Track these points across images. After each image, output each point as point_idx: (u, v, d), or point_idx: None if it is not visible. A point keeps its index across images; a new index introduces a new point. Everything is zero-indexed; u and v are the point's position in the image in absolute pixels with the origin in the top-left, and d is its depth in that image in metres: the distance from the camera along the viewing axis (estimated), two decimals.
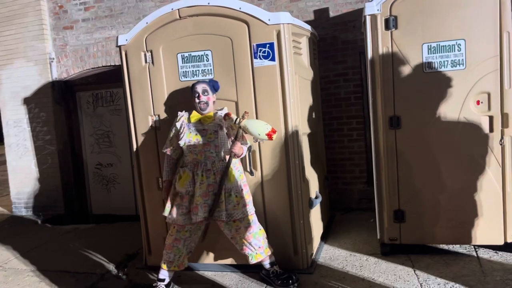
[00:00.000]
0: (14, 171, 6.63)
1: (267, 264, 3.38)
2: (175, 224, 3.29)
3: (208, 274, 3.73)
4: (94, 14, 6.13)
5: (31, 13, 6.28)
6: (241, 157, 3.31)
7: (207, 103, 3.25)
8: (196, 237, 3.37)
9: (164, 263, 3.37)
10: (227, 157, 3.22)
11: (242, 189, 3.27)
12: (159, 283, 3.40)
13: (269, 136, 3.07)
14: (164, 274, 3.40)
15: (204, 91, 3.24)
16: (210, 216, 3.20)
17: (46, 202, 6.43)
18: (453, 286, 3.15)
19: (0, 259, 4.63)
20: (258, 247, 3.30)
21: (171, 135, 3.38)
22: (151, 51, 3.66)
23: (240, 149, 3.20)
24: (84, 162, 6.47)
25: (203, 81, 3.32)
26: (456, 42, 3.38)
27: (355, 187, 5.35)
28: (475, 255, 3.62)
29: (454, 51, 3.39)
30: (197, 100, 3.25)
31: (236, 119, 3.17)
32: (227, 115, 3.20)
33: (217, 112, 3.31)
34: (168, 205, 3.32)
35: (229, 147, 3.20)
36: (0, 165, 7.98)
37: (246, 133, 3.17)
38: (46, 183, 6.43)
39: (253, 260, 3.32)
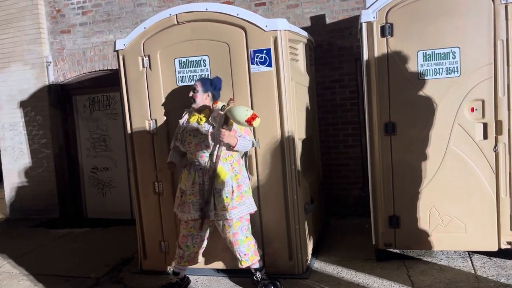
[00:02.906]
0: (9, 174, 6.60)
1: (252, 270, 3.41)
2: (183, 222, 3.38)
3: (204, 278, 3.73)
4: (91, 18, 6.14)
5: (29, 16, 6.29)
6: (236, 148, 3.19)
7: (193, 100, 3.31)
8: (203, 234, 3.40)
9: (176, 258, 3.47)
10: (215, 153, 3.20)
11: (233, 191, 3.22)
12: (172, 276, 3.51)
13: (249, 122, 3.02)
14: (177, 268, 3.51)
15: (194, 89, 3.31)
16: (201, 215, 3.25)
17: (41, 205, 6.41)
18: None
19: None
20: (244, 254, 3.31)
21: (176, 133, 3.47)
22: (148, 56, 3.68)
23: (230, 137, 3.13)
24: (79, 166, 6.46)
25: (199, 79, 3.37)
26: (451, 50, 3.42)
27: (350, 192, 5.37)
28: (469, 261, 3.64)
29: (449, 58, 3.43)
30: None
31: (222, 106, 3.21)
32: (213, 105, 3.26)
33: (213, 110, 3.31)
34: (176, 202, 3.43)
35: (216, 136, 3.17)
36: None
37: (228, 120, 3.12)
38: (41, 187, 6.41)
39: (239, 265, 3.37)
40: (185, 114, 3.44)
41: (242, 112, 3.03)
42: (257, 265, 3.40)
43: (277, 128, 3.46)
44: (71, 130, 6.47)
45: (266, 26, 3.41)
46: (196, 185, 3.25)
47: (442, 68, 3.45)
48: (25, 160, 6.48)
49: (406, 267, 3.61)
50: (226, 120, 3.13)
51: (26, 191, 6.50)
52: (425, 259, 3.74)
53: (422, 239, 3.63)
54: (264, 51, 3.42)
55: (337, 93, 5.31)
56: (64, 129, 6.46)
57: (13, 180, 6.58)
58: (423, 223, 3.61)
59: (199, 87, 3.30)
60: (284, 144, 3.48)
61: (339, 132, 5.35)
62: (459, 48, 3.40)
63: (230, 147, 3.20)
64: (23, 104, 6.41)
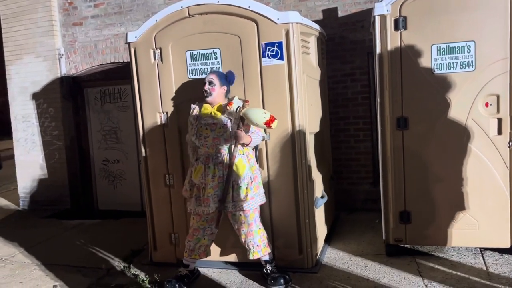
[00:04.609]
0: (21, 165, 6.67)
1: (262, 262, 3.43)
2: (194, 215, 3.39)
3: (213, 271, 3.74)
4: (103, 10, 6.15)
5: (41, 9, 6.32)
6: (250, 145, 3.31)
7: (209, 93, 3.30)
8: (215, 227, 3.43)
9: (186, 251, 3.49)
10: (233, 147, 3.26)
11: (252, 181, 3.31)
12: (182, 268, 3.51)
13: (267, 125, 3.09)
14: (187, 261, 3.52)
15: (210, 82, 3.30)
16: (220, 207, 3.28)
17: (52, 196, 6.47)
18: None
19: (7, 252, 4.67)
20: (256, 245, 3.35)
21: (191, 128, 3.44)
22: (160, 49, 3.68)
23: (245, 137, 3.23)
24: (91, 158, 6.50)
25: (214, 72, 3.37)
26: (466, 44, 3.37)
27: (360, 187, 5.34)
28: (481, 257, 3.61)
29: (464, 52, 3.38)
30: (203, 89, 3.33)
31: (237, 108, 3.22)
32: (227, 105, 3.25)
33: (227, 104, 3.33)
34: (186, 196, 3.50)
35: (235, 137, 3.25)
36: (8, 159, 8.05)
37: (244, 122, 3.18)
38: (53, 178, 6.47)
39: (250, 256, 3.38)
40: (195, 108, 3.42)
41: (260, 114, 3.09)
42: (267, 257, 3.41)
43: (288, 121, 3.45)
44: (83, 122, 6.51)
45: (278, 19, 3.38)
46: (216, 178, 3.27)
47: (457, 62, 3.40)
48: (37, 151, 6.53)
49: (416, 263, 3.59)
50: (241, 122, 3.18)
51: (38, 182, 6.57)
52: (436, 255, 3.71)
53: (433, 235, 3.60)
54: (276, 44, 3.40)
55: (348, 87, 5.26)
56: (75, 121, 6.50)
57: (26, 171, 6.64)
58: (434, 218, 3.57)
59: (216, 80, 3.30)
60: (295, 138, 3.47)
61: (350, 127, 5.32)
62: (474, 42, 3.35)
63: (244, 145, 3.27)
64: (35, 96, 6.46)
